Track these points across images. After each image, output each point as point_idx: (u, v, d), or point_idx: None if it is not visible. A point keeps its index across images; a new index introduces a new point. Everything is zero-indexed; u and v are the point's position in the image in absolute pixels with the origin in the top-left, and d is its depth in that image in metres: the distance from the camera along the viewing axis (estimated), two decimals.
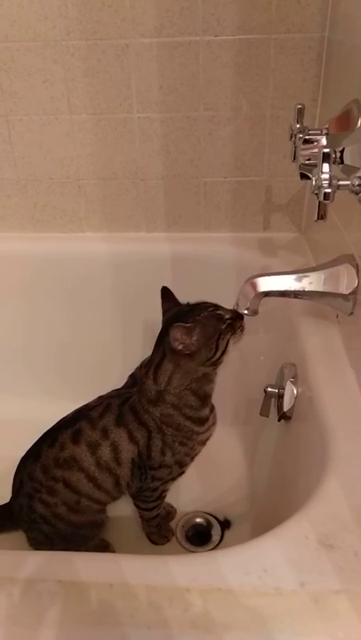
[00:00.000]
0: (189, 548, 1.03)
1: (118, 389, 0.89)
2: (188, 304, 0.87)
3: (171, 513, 1.07)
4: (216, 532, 1.06)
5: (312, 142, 0.77)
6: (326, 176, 0.60)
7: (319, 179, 0.61)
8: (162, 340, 0.83)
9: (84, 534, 0.90)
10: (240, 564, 0.52)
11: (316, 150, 0.75)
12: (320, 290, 0.77)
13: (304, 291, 0.79)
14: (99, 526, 0.91)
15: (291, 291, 0.80)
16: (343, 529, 0.55)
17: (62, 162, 1.18)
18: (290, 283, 0.80)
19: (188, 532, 1.06)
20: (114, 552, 0.99)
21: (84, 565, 0.53)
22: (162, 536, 1.03)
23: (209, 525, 1.07)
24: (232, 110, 1.10)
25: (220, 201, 1.19)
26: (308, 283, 0.78)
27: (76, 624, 0.48)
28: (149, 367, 0.84)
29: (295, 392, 0.86)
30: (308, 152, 0.76)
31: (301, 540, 0.54)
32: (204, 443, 0.90)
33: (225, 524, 1.07)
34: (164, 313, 0.88)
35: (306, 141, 0.77)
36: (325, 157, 0.60)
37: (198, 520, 1.08)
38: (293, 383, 0.87)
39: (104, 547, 0.99)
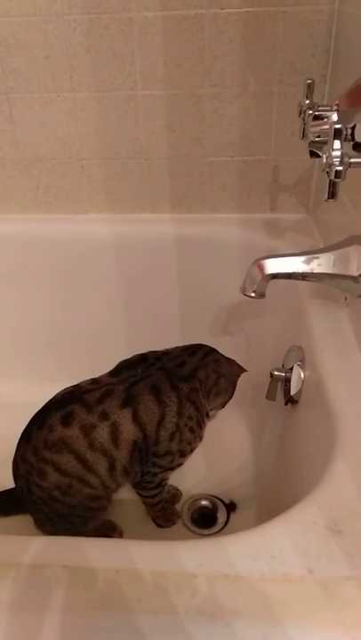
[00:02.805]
0: (195, 530, 1.03)
1: (115, 375, 0.88)
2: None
3: (176, 496, 1.07)
4: (222, 514, 1.06)
5: (322, 119, 0.74)
6: (338, 153, 0.58)
7: (330, 156, 0.58)
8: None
9: (84, 515, 0.90)
10: (247, 549, 0.52)
11: (326, 127, 0.73)
12: (329, 272, 0.75)
13: (313, 273, 0.77)
14: (99, 509, 0.91)
15: (299, 273, 0.78)
16: (352, 514, 0.54)
17: (65, 141, 1.15)
18: (298, 264, 0.78)
19: (194, 514, 1.06)
20: (121, 533, 0.99)
21: (90, 551, 0.53)
22: (167, 519, 1.03)
23: (215, 508, 1.07)
24: (239, 87, 1.07)
25: (226, 181, 1.17)
26: (317, 264, 0.76)
27: (82, 610, 0.47)
28: (190, 350, 0.92)
29: (302, 376, 0.85)
30: (317, 129, 0.74)
31: (310, 526, 0.53)
32: (201, 437, 0.92)
33: (231, 507, 1.06)
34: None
35: (316, 117, 0.74)
36: (337, 133, 0.58)
37: (204, 502, 1.08)
38: (301, 367, 0.86)
39: (110, 528, 0.99)
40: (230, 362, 0.96)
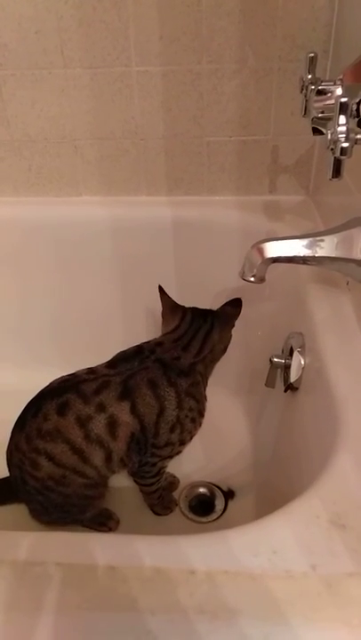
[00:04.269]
0: (193, 518, 1.02)
1: (112, 366, 0.85)
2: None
3: (173, 483, 1.06)
4: (220, 502, 1.04)
5: (326, 93, 0.70)
6: (343, 129, 0.55)
7: (335, 132, 0.55)
8: (193, 322, 0.90)
9: (80, 504, 0.89)
10: (248, 544, 0.50)
11: (330, 102, 0.70)
12: (332, 255, 0.72)
13: (314, 256, 0.74)
14: (95, 497, 0.89)
15: (300, 256, 0.75)
16: (356, 508, 0.53)
17: (57, 120, 1.11)
18: (299, 248, 0.75)
19: (192, 501, 1.05)
20: (118, 522, 0.98)
21: (84, 546, 0.51)
22: (165, 507, 1.02)
23: (212, 495, 1.06)
24: (237, 63, 1.02)
25: (225, 162, 1.13)
26: (319, 248, 0.73)
27: (76, 610, 0.45)
28: (182, 343, 0.88)
29: (303, 362, 0.83)
30: (321, 104, 0.70)
31: (312, 520, 0.52)
32: (201, 424, 0.91)
33: (229, 494, 1.05)
34: (166, 303, 0.93)
35: (319, 92, 0.70)
36: (343, 108, 0.55)
37: (202, 490, 1.07)
38: (301, 353, 0.83)
39: (107, 517, 0.98)
40: (222, 326, 0.91)
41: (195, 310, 0.92)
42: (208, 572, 0.48)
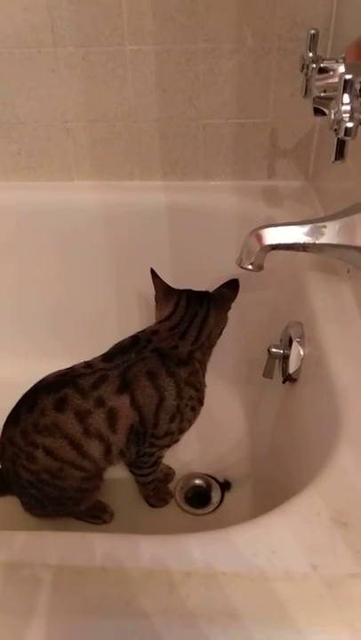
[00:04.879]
0: (188, 510, 1.01)
1: (109, 359, 0.83)
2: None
3: (169, 475, 1.05)
4: (216, 493, 1.03)
5: (328, 72, 0.67)
6: (348, 108, 0.52)
7: (339, 111, 0.52)
8: (189, 307, 0.87)
9: (75, 497, 0.87)
10: (246, 544, 0.48)
11: (332, 81, 0.66)
12: (333, 242, 0.70)
13: (315, 243, 0.71)
14: (91, 490, 0.88)
15: (300, 243, 0.72)
16: (359, 505, 0.51)
17: (47, 102, 1.07)
18: (299, 234, 0.72)
19: (188, 493, 1.04)
20: (112, 514, 0.97)
21: (75, 546, 0.49)
22: (160, 499, 1.01)
23: (208, 487, 1.04)
24: (234, 42, 0.99)
25: (221, 146, 1.10)
26: (320, 234, 0.71)
27: (66, 614, 0.43)
28: (179, 332, 0.85)
29: (302, 353, 0.80)
30: (323, 83, 0.67)
31: (313, 518, 0.50)
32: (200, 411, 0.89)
33: (225, 486, 1.04)
34: (159, 287, 0.90)
35: (321, 70, 0.67)
36: (347, 86, 0.51)
37: (198, 482, 1.06)
38: (300, 343, 0.81)
39: (101, 509, 0.97)
40: (218, 310, 0.89)
41: (189, 293, 0.90)
42: (204, 574, 0.46)
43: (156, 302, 0.91)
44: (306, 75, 0.74)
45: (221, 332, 0.91)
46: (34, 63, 1.03)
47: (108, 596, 0.44)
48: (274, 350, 0.87)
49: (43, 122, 1.09)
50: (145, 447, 0.85)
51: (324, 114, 0.67)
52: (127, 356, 0.82)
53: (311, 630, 0.42)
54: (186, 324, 0.86)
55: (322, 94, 0.67)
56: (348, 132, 0.52)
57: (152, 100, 1.05)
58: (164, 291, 0.90)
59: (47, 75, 1.04)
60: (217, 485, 1.04)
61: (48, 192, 1.15)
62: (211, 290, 0.92)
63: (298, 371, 0.82)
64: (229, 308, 0.91)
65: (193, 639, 0.42)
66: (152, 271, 0.89)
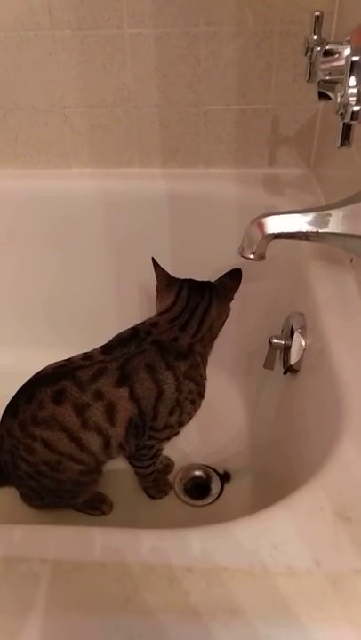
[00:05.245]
0: (188, 501, 1.00)
1: (108, 352, 0.81)
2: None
3: (168, 466, 1.04)
4: (215, 485, 1.02)
5: (333, 54, 0.65)
6: (354, 91, 0.50)
7: (345, 94, 0.51)
8: (190, 298, 0.85)
9: (73, 489, 0.87)
10: (248, 539, 0.47)
11: (338, 64, 0.64)
12: (337, 231, 0.68)
13: (318, 232, 0.70)
14: (89, 483, 0.87)
15: (302, 232, 0.71)
16: None
17: (45, 87, 1.05)
18: (302, 223, 0.71)
19: (187, 484, 1.03)
20: (111, 506, 0.97)
21: (73, 541, 0.48)
22: (159, 490, 1.00)
23: (208, 478, 1.04)
24: (236, 25, 0.96)
25: (222, 132, 1.08)
26: (323, 223, 0.69)
27: (63, 610, 0.42)
28: (179, 324, 0.84)
29: (303, 344, 0.79)
30: (328, 66, 0.65)
31: (316, 512, 0.49)
32: (200, 404, 0.88)
33: (225, 477, 1.03)
34: (161, 276, 0.88)
35: (326, 53, 0.65)
36: (354, 67, 0.50)
37: (197, 473, 1.05)
38: (302, 334, 0.80)
39: (100, 500, 0.96)
40: (221, 301, 0.87)
41: (191, 284, 0.88)
42: (205, 570, 0.45)
43: (158, 292, 0.89)
44: (310, 58, 0.72)
45: (223, 324, 0.89)
46: (31, 46, 1.00)
47: (108, 591, 0.43)
48: (275, 341, 0.85)
49: (40, 107, 1.07)
50: (144, 440, 0.84)
51: (328, 98, 0.65)
52: (126, 349, 0.80)
53: (314, 627, 0.41)
54: (187, 316, 0.84)
55: (327, 78, 0.65)
56: (354, 115, 0.50)
57: (152, 86, 1.03)
58: (165, 281, 0.88)
59: (44, 59, 1.02)
60: (217, 477, 1.03)
61: (46, 180, 1.13)
62: (212, 280, 0.90)
63: (299, 362, 0.80)
64: (232, 299, 0.89)
65: (194, 636, 0.41)
66: (153, 260, 0.88)
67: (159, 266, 0.88)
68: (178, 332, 0.83)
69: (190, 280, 0.88)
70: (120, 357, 0.79)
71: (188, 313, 0.84)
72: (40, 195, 1.13)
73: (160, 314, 0.86)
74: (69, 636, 0.41)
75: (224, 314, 0.89)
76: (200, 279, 0.89)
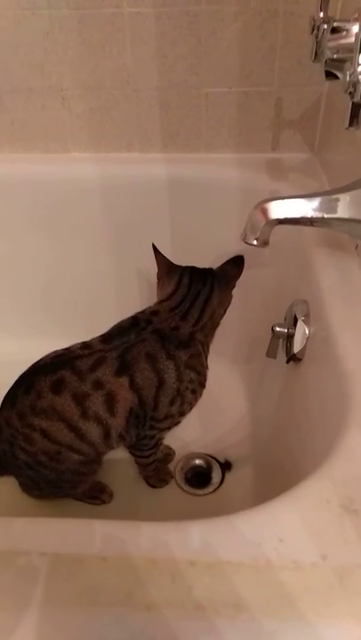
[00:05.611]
0: (188, 490, 0.99)
1: (108, 341, 0.80)
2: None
3: (169, 455, 1.03)
4: (216, 474, 1.02)
5: (341, 32, 0.63)
6: None
7: (355, 72, 0.49)
8: (191, 286, 0.84)
9: (72, 480, 0.86)
10: (252, 532, 0.46)
11: (346, 41, 0.62)
12: (343, 216, 0.66)
13: (323, 217, 0.68)
14: (89, 474, 0.86)
15: (307, 217, 0.69)
16: None
17: (42, 68, 1.02)
18: (306, 208, 0.69)
19: (188, 473, 1.02)
20: (111, 495, 0.96)
21: (73, 534, 0.47)
22: (160, 479, 0.99)
23: (209, 467, 1.03)
24: (238, 3, 0.94)
25: (224, 116, 1.05)
26: (329, 208, 0.67)
27: (64, 605, 0.41)
28: (180, 312, 0.82)
29: (307, 332, 0.78)
30: (336, 43, 0.63)
31: (322, 505, 0.47)
32: (201, 394, 0.86)
33: (226, 466, 1.02)
34: (162, 264, 0.87)
35: (334, 30, 0.63)
36: None
37: (198, 462, 1.04)
38: (305, 322, 0.78)
39: (100, 490, 0.96)
40: (222, 289, 0.85)
41: (192, 271, 0.86)
42: (209, 564, 0.43)
43: (158, 280, 0.87)
44: (316, 37, 0.69)
45: (225, 312, 0.88)
46: (27, 26, 0.98)
47: (109, 586, 0.42)
48: (278, 329, 0.84)
49: (37, 89, 1.05)
50: (145, 430, 0.83)
51: (336, 77, 0.63)
52: (126, 338, 0.79)
53: (320, 622, 0.40)
54: (188, 304, 0.83)
55: (334, 56, 0.62)
56: None
57: (152, 67, 1.01)
58: (166, 268, 0.86)
59: (41, 39, 0.99)
60: (218, 466, 1.02)
61: (43, 165, 1.11)
62: (214, 267, 0.88)
63: (303, 350, 0.79)
64: (234, 287, 0.87)
65: (198, 631, 0.40)
66: (154, 247, 0.86)
67: (160, 253, 0.86)
68: (179, 321, 0.82)
69: (192, 267, 0.87)
70: (120, 346, 0.78)
71: (190, 301, 0.83)
72: (38, 180, 1.11)
73: (160, 302, 0.85)
74: (69, 631, 0.40)
75: (226, 302, 0.87)
76: (201, 266, 0.88)
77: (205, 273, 0.86)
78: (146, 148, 1.10)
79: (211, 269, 0.87)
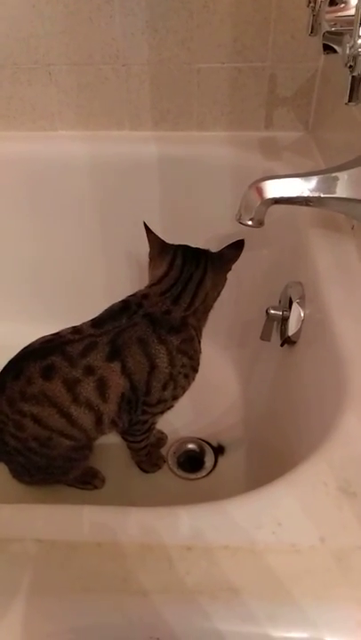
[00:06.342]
0: (181, 475, 0.99)
1: (98, 325, 0.78)
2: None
3: (161, 440, 1.02)
4: (209, 458, 1.01)
5: (339, 4, 0.61)
6: None
7: (355, 45, 0.47)
8: (184, 268, 0.81)
9: (63, 466, 0.85)
10: (250, 516, 0.45)
11: (345, 14, 0.60)
12: (340, 195, 0.65)
13: (319, 197, 0.67)
14: (80, 459, 0.85)
15: (303, 197, 0.68)
16: None
17: (28, 42, 0.99)
18: (302, 187, 0.67)
19: (180, 458, 1.02)
20: (103, 480, 0.95)
21: (67, 521, 0.46)
22: (153, 464, 0.98)
23: (202, 451, 1.02)
24: None
25: (217, 92, 1.02)
26: (325, 187, 0.66)
27: (59, 591, 0.41)
28: (171, 296, 0.80)
29: (302, 314, 0.77)
30: (334, 16, 0.61)
31: (320, 488, 0.47)
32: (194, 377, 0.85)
33: (218, 450, 1.02)
34: (154, 243, 0.84)
35: (332, 2, 0.61)
36: None
37: (190, 446, 1.03)
38: (300, 304, 0.77)
39: (92, 475, 0.95)
40: (217, 271, 0.83)
41: (185, 252, 0.83)
42: (206, 548, 0.43)
43: (150, 260, 0.85)
44: (313, 10, 0.67)
45: (219, 295, 0.86)
46: None
47: (103, 572, 0.41)
48: (272, 312, 0.83)
49: (23, 64, 1.01)
50: (137, 415, 0.82)
51: (334, 51, 0.61)
52: (117, 322, 0.77)
53: (319, 605, 0.40)
54: (180, 288, 0.80)
55: (332, 29, 0.60)
56: None
57: (142, 41, 0.97)
58: (158, 247, 0.83)
59: (27, 11, 0.95)
60: (210, 450, 1.02)
61: (30, 143, 1.08)
62: (206, 247, 0.86)
63: (297, 333, 0.78)
64: (229, 270, 0.85)
65: (195, 616, 0.40)
66: (145, 226, 0.83)
67: (152, 231, 0.84)
68: (170, 305, 0.79)
69: (185, 247, 0.84)
70: (111, 331, 0.76)
71: (182, 284, 0.81)
72: (24, 159, 1.08)
73: (151, 285, 0.83)
74: (64, 618, 0.39)
75: (220, 284, 0.85)
76: (196, 246, 0.85)
77: (199, 253, 0.83)
78: (136, 126, 1.07)
79: (205, 250, 0.85)
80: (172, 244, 0.84)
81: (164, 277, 0.82)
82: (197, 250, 0.84)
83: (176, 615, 0.40)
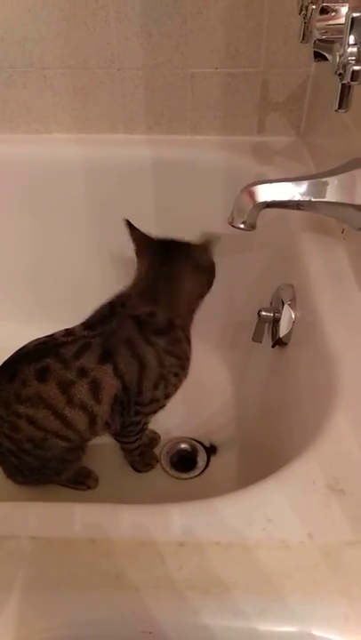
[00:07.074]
0: (174, 474, 1.00)
1: (90, 327, 0.79)
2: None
3: (154, 439, 1.03)
4: (202, 457, 1.02)
5: (330, 12, 0.62)
6: (354, 49, 0.47)
7: (345, 53, 0.48)
8: (162, 267, 0.81)
9: (56, 467, 0.85)
10: (241, 513, 0.46)
11: (335, 22, 0.61)
12: (331, 200, 0.66)
13: (311, 201, 0.68)
14: (73, 460, 0.86)
15: (295, 201, 0.69)
16: (355, 471, 0.49)
17: (23, 45, 0.99)
18: (294, 191, 0.69)
19: (173, 457, 1.03)
20: (97, 480, 0.96)
21: (61, 518, 0.46)
22: (146, 463, 0.99)
23: (194, 451, 1.03)
24: None
25: (210, 97, 1.04)
26: (316, 191, 0.67)
27: (53, 588, 0.41)
28: (151, 297, 0.80)
29: (293, 316, 0.78)
30: (324, 24, 0.62)
31: (309, 485, 0.48)
32: (186, 375, 0.85)
33: (211, 450, 1.03)
34: (137, 240, 0.84)
35: (323, 11, 0.62)
36: (354, 24, 0.47)
37: (183, 446, 1.04)
38: (291, 306, 0.79)
39: (85, 475, 0.95)
40: (197, 269, 0.82)
41: (166, 248, 0.81)
42: (198, 544, 0.44)
43: (137, 257, 0.84)
44: (304, 17, 0.68)
45: (205, 293, 0.84)
46: (8, 1, 0.95)
47: (97, 568, 0.42)
48: (264, 314, 0.84)
49: (18, 68, 1.02)
50: (130, 417, 0.82)
51: (325, 59, 0.62)
52: (107, 324, 0.78)
53: (308, 600, 0.41)
54: (159, 288, 0.80)
55: (323, 37, 0.62)
56: (355, 75, 0.48)
57: (137, 45, 0.99)
58: (142, 244, 0.83)
59: (23, 14, 0.96)
60: (203, 449, 1.03)
61: (25, 145, 1.09)
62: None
63: (289, 334, 0.79)
64: (209, 264, 0.83)
65: (186, 611, 0.41)
66: (128, 223, 0.82)
67: (135, 228, 0.82)
68: (153, 306, 0.79)
69: (166, 243, 0.82)
70: (102, 333, 0.77)
71: (161, 285, 0.80)
72: (19, 161, 1.08)
73: (131, 286, 0.83)
74: (59, 614, 0.40)
75: (203, 283, 0.83)
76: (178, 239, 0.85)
77: (181, 249, 0.82)
78: (130, 130, 1.08)
79: (189, 245, 0.83)
80: (155, 240, 0.83)
81: (143, 277, 0.82)
82: (179, 245, 0.83)
83: (168, 610, 0.41)
